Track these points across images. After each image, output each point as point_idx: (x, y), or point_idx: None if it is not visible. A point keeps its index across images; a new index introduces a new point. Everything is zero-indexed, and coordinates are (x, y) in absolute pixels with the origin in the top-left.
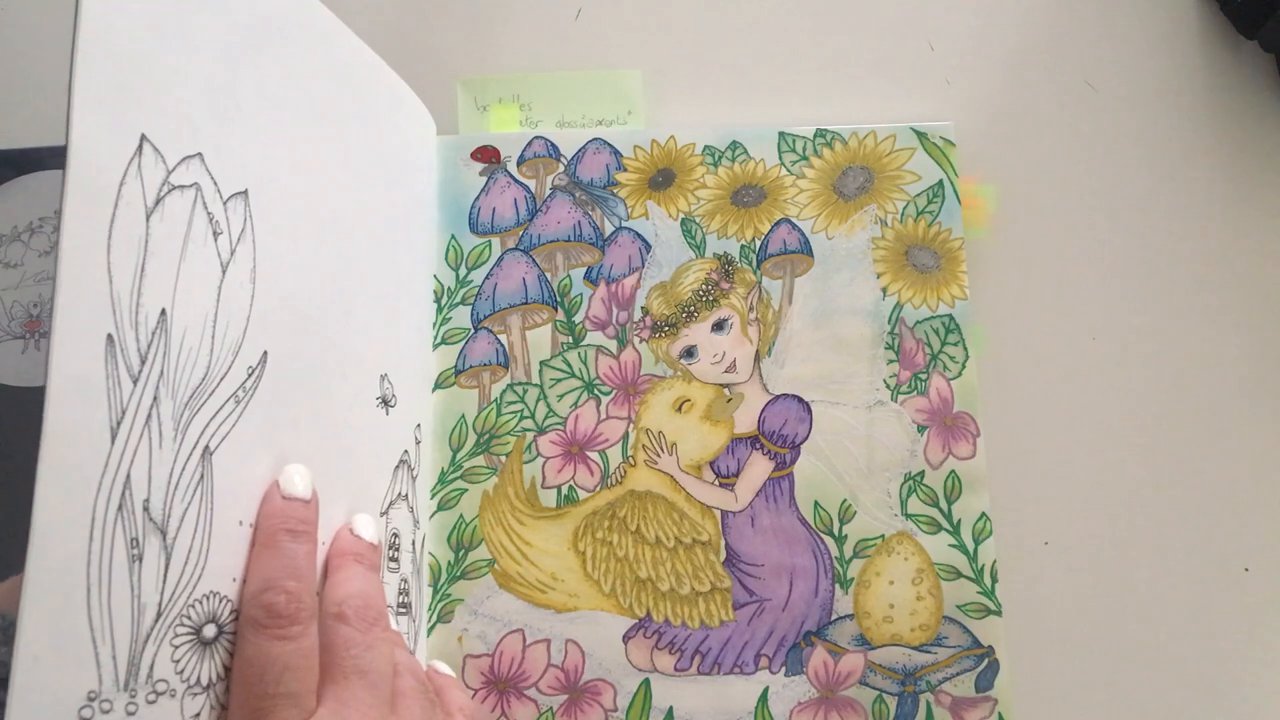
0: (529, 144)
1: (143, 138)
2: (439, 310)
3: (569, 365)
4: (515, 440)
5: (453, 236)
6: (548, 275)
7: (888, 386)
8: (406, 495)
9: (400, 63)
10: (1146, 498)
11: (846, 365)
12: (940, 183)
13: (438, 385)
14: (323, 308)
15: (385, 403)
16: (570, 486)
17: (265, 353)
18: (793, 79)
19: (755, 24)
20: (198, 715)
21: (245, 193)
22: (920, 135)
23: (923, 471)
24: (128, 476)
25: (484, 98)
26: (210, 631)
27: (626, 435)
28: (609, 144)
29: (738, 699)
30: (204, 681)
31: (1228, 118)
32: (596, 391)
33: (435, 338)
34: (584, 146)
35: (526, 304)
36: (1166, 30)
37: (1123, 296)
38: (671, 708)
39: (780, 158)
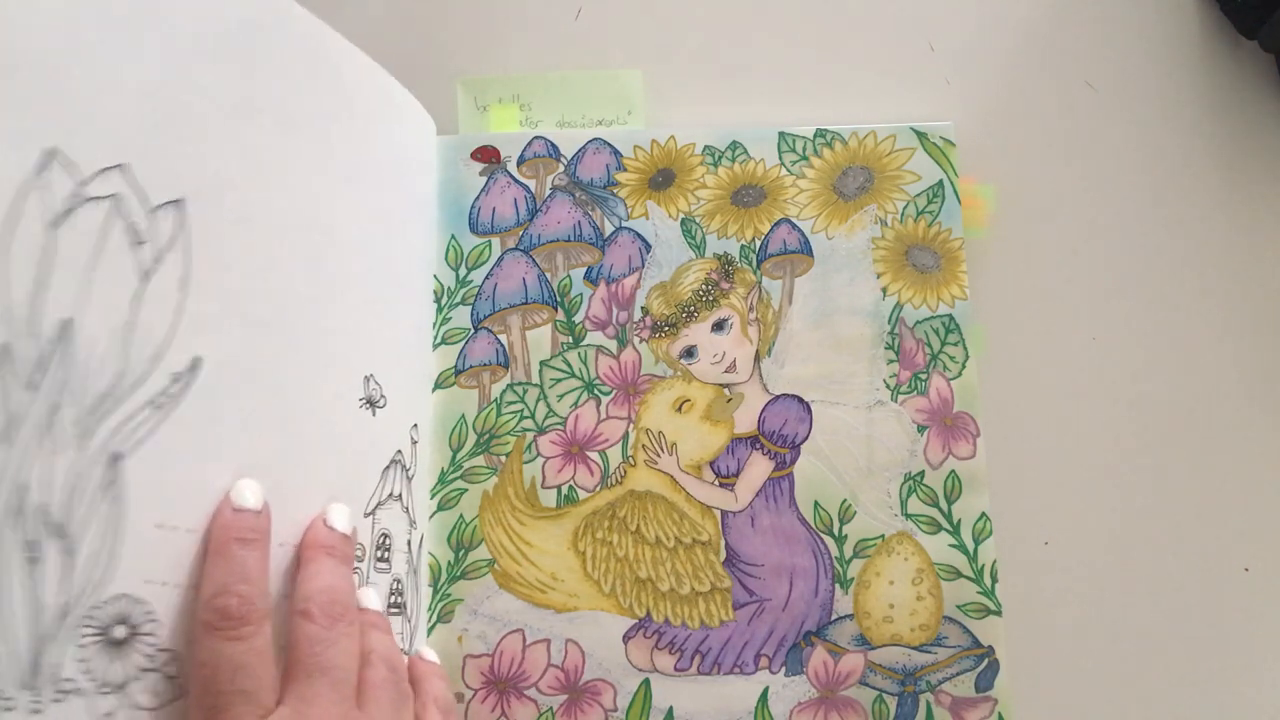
0: (529, 144)
1: (50, 151)
2: (439, 310)
3: (569, 365)
4: (515, 440)
5: (453, 236)
6: (548, 275)
7: (888, 386)
8: (400, 495)
9: (400, 63)
10: (1146, 498)
11: (846, 365)
12: (940, 183)
13: (438, 385)
14: (285, 311)
15: (371, 403)
16: (570, 486)
17: (198, 358)
18: (793, 79)
19: (755, 24)
20: (110, 714)
21: (180, 201)
22: (920, 135)
23: (923, 471)
24: (24, 481)
25: (484, 98)
26: (120, 632)
27: (626, 435)
28: (609, 144)
29: (738, 699)
30: (115, 681)
31: (1228, 118)
32: (596, 391)
33: (435, 338)
34: (584, 146)
35: (526, 304)
36: (1166, 30)
37: (1123, 297)
38: (671, 708)
39: (780, 158)
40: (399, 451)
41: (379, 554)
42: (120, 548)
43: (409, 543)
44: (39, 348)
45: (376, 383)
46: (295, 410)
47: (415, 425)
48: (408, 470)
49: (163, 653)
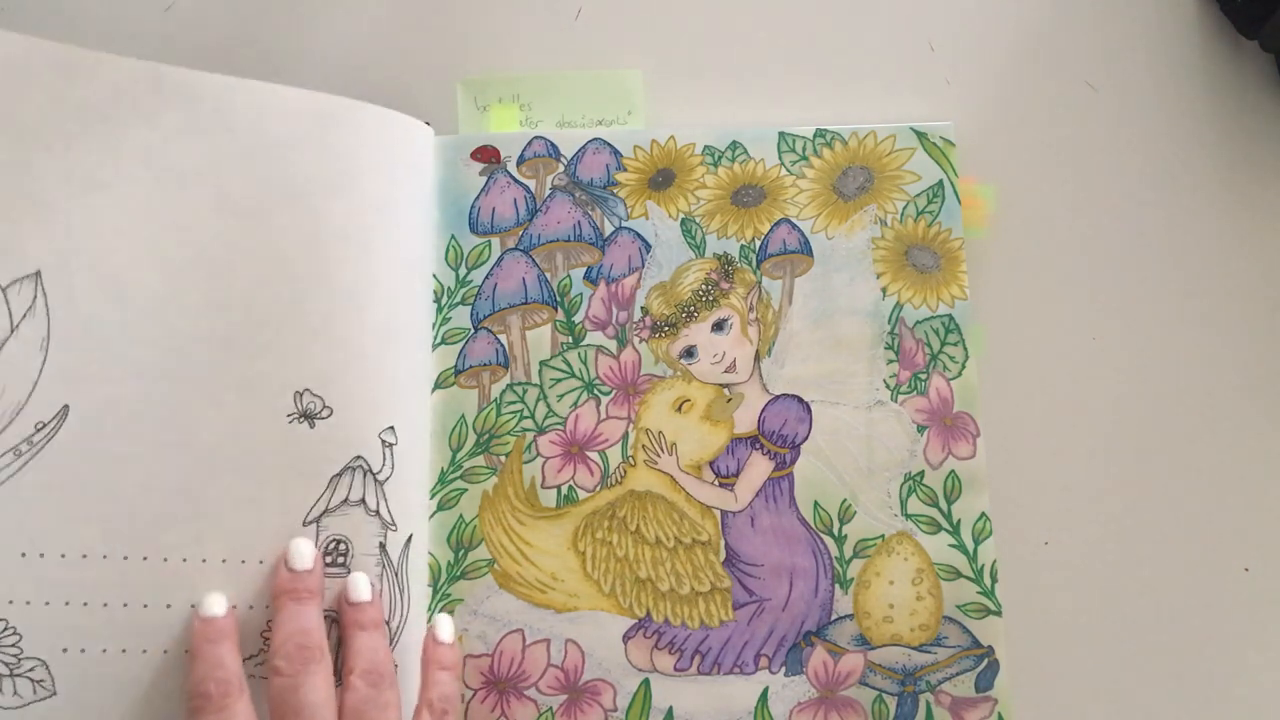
0: (529, 144)
1: None
2: (439, 310)
3: (569, 365)
4: (515, 440)
5: (452, 236)
6: (547, 275)
7: (888, 386)
8: (361, 499)
9: (400, 63)
10: (1146, 498)
11: (846, 365)
12: (940, 183)
13: (437, 385)
14: (175, 352)
15: (307, 417)
16: (570, 486)
17: (65, 406)
18: (793, 79)
19: (755, 24)
20: None
21: (36, 274)
22: (920, 135)
23: (922, 471)
24: None
25: (484, 98)
26: None
27: (626, 435)
28: (609, 144)
29: (738, 699)
30: None
31: (1228, 118)
32: (596, 391)
33: (435, 338)
34: (584, 146)
35: (526, 304)
36: (1166, 30)
37: (1123, 296)
38: (671, 708)
39: (780, 158)
40: (357, 457)
41: (330, 559)
42: None
43: (381, 545)
44: None
45: (314, 395)
46: (201, 437)
47: (390, 428)
48: (377, 474)
49: (26, 660)
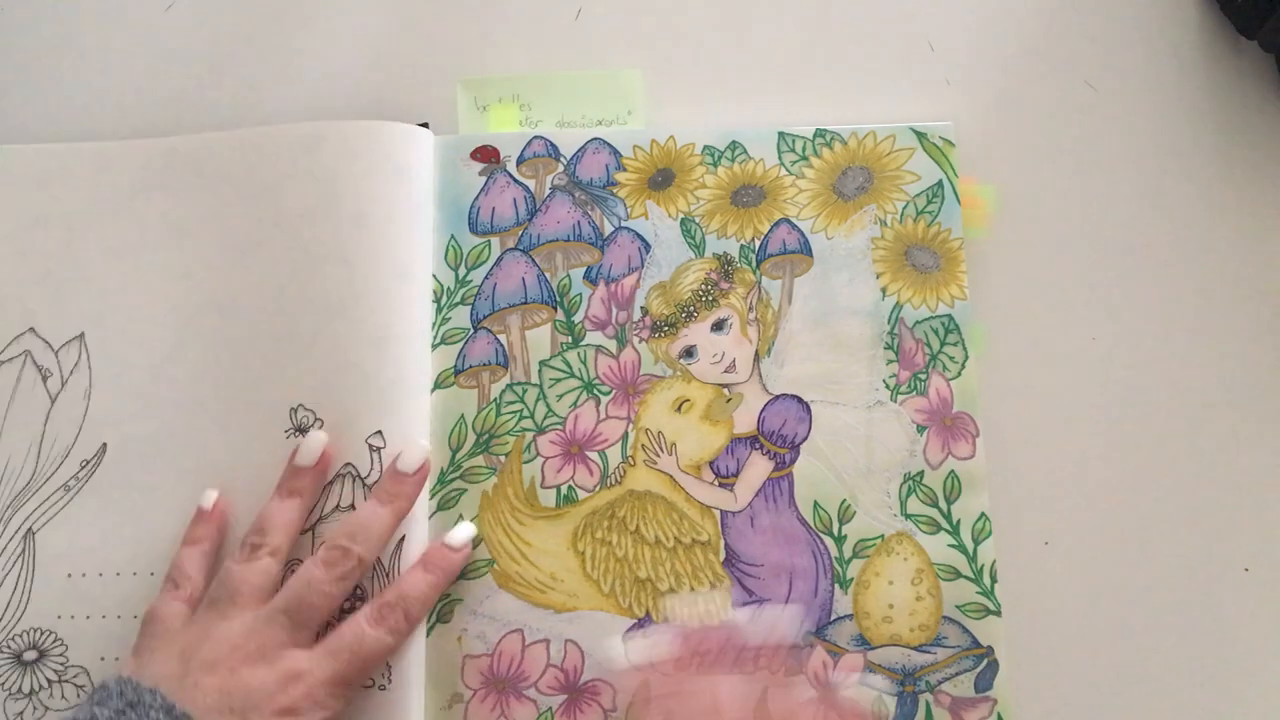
0: (528, 144)
1: None
2: (438, 310)
3: (568, 365)
4: (515, 440)
5: (452, 236)
6: (547, 275)
7: (887, 386)
8: (353, 505)
9: (401, 63)
10: (1146, 498)
11: (846, 365)
12: (940, 183)
13: (437, 385)
14: (188, 386)
15: (302, 431)
16: (570, 486)
17: (104, 444)
18: (793, 79)
19: (755, 24)
20: (20, 714)
21: (81, 335)
22: (920, 135)
23: (922, 472)
24: None
25: (484, 98)
26: (31, 656)
27: (626, 435)
28: (609, 144)
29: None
30: (25, 690)
31: (1228, 118)
32: (596, 391)
33: (435, 338)
34: (583, 146)
35: (526, 304)
36: (1166, 30)
37: (1123, 296)
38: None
39: (780, 158)
40: (346, 465)
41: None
42: (33, 595)
43: None
44: None
45: (306, 410)
46: (211, 461)
47: (378, 431)
48: (364, 479)
49: (71, 668)
